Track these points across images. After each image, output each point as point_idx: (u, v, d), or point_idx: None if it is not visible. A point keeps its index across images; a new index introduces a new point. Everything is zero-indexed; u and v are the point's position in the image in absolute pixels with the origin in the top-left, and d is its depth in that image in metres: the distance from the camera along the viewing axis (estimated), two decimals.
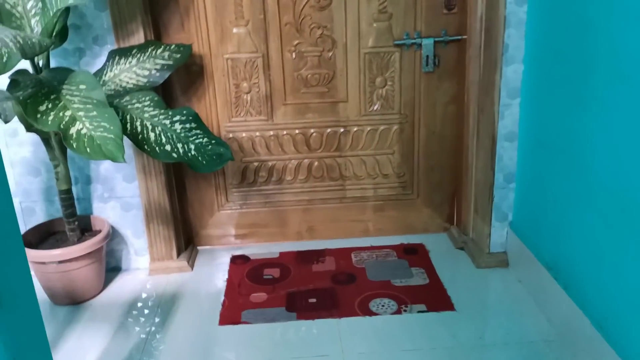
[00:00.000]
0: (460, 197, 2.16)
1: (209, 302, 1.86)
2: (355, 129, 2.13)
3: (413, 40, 2.01)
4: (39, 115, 1.34)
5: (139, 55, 1.75)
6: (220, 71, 2.02)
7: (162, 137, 1.60)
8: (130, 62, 1.74)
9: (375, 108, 2.10)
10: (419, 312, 1.75)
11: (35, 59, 1.58)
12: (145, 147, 1.56)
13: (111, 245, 2.04)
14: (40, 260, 1.75)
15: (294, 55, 2.02)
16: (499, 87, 1.85)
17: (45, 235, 1.92)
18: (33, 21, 1.64)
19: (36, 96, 1.37)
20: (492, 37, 1.83)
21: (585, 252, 1.50)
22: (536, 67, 1.76)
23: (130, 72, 1.73)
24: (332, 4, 1.96)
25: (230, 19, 1.96)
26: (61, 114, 1.36)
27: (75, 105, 1.38)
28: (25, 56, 1.25)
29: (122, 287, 1.97)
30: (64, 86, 1.43)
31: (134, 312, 1.82)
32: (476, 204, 2.04)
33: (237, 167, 2.14)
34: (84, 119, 1.36)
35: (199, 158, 1.62)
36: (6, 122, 1.51)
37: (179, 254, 2.09)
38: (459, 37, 1.99)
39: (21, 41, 1.29)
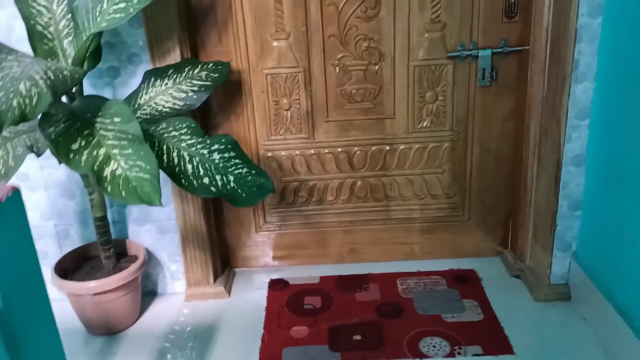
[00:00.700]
0: (517, 221, 2.00)
1: (247, 335, 1.76)
2: (402, 147, 1.98)
3: (468, 52, 1.83)
4: (71, 155, 1.24)
5: (175, 76, 1.64)
6: (260, 87, 1.90)
7: (200, 168, 1.49)
8: (166, 84, 1.63)
9: (424, 124, 1.95)
10: (474, 355, 1.62)
11: None
12: (183, 181, 1.45)
13: (147, 269, 1.96)
14: (76, 292, 1.69)
15: (337, 70, 1.88)
16: (567, 107, 1.68)
17: (81, 260, 1.86)
18: (65, 42, 1.55)
19: (68, 132, 1.27)
20: (560, 52, 1.64)
21: None
22: (610, 86, 1.58)
23: (166, 95, 1.62)
24: (380, 14, 1.80)
25: (271, 32, 1.83)
26: (95, 152, 1.26)
27: (110, 142, 1.28)
28: (56, 95, 1.15)
29: (158, 315, 1.90)
30: (98, 119, 1.33)
31: (171, 344, 1.74)
32: (535, 230, 1.88)
33: (276, 186, 2.03)
34: (118, 157, 1.26)
35: (239, 190, 1.50)
36: (39, 155, 1.43)
37: (215, 278, 2.00)
38: (520, 48, 1.81)
39: (52, 76, 1.19)
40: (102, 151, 1.27)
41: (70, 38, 1.54)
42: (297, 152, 1.99)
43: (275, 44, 1.84)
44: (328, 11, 1.79)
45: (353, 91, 1.90)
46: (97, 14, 1.43)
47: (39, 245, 1.93)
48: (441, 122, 1.94)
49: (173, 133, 1.53)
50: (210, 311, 1.90)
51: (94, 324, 1.76)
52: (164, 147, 1.49)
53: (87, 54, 1.49)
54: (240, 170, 1.53)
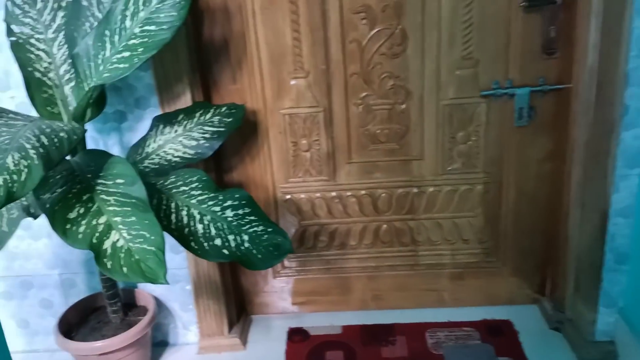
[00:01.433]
0: (556, 269, 1.83)
1: None
2: (431, 189, 1.83)
3: (504, 90, 1.68)
4: (67, 226, 1.13)
5: (185, 122, 1.52)
6: (277, 128, 1.77)
7: (212, 228, 1.36)
8: (176, 131, 1.51)
9: (455, 166, 1.80)
10: None
11: None
12: (192, 244, 1.33)
13: (157, 318, 1.85)
14: (81, 354, 1.58)
15: (360, 109, 1.74)
16: (614, 155, 1.51)
17: (87, 312, 1.75)
18: (67, 89, 1.44)
19: (66, 199, 1.16)
20: (606, 95, 1.48)
21: None
22: None
23: (175, 143, 1.50)
24: (407, 50, 1.66)
25: (288, 70, 1.70)
26: (94, 221, 1.15)
27: (112, 208, 1.16)
28: (50, 166, 1.04)
29: None
30: (99, 180, 1.22)
31: None
32: (577, 282, 1.71)
33: (295, 230, 1.90)
34: (120, 226, 1.15)
35: (254, 251, 1.38)
36: (35, 217, 1.32)
37: (230, 328, 1.88)
38: (561, 87, 1.65)
39: (46, 142, 1.07)
40: (102, 220, 1.15)
41: (72, 84, 1.43)
42: (318, 194, 1.85)
43: (293, 82, 1.71)
44: (350, 48, 1.66)
45: (377, 131, 1.76)
46: (100, 62, 1.32)
47: (44, 295, 1.83)
48: (473, 163, 1.79)
49: (182, 188, 1.41)
50: None
51: None
52: (172, 205, 1.38)
53: (90, 103, 1.38)
54: (255, 228, 1.40)
